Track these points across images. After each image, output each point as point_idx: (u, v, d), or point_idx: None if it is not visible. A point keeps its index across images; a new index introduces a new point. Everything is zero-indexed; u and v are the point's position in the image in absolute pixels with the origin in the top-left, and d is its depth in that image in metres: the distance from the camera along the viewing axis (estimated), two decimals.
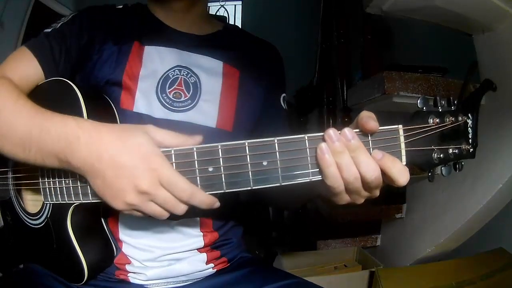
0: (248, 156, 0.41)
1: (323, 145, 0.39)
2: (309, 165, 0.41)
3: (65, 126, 0.44)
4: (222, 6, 3.30)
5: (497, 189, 1.03)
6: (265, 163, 0.41)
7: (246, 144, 0.41)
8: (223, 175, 0.42)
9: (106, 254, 0.59)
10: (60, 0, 2.28)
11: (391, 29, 1.93)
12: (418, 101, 0.42)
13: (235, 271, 0.66)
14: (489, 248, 1.14)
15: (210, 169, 0.42)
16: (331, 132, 0.39)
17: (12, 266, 0.66)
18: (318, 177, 0.41)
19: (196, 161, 0.42)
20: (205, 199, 0.43)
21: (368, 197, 0.43)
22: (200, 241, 0.63)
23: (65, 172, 0.50)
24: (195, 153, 0.42)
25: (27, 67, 0.58)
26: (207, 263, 0.65)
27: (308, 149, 0.41)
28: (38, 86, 0.59)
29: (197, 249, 0.64)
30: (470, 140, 0.42)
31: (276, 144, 0.41)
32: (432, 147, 0.41)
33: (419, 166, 0.42)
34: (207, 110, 0.63)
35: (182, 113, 0.61)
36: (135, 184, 0.41)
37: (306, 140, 0.41)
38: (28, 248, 0.63)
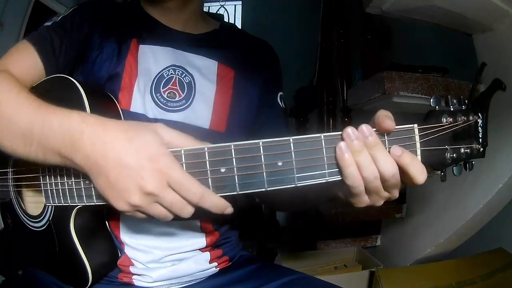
0: (262, 156, 0.39)
1: (342, 144, 0.38)
2: (326, 165, 0.40)
3: (69, 120, 0.42)
4: (222, 6, 3.29)
5: (497, 189, 1.03)
6: (280, 163, 0.39)
7: (261, 143, 0.40)
8: (236, 176, 0.40)
9: (110, 257, 0.58)
10: (60, 0, 2.28)
11: (391, 29, 1.93)
12: (431, 100, 0.41)
13: (238, 270, 0.66)
14: (489, 248, 1.14)
15: (223, 170, 0.40)
16: (350, 130, 0.38)
17: (13, 270, 0.65)
18: (335, 178, 0.40)
19: (207, 162, 0.40)
20: (217, 202, 0.41)
21: (388, 198, 0.42)
22: (202, 241, 0.64)
23: (68, 173, 0.49)
24: (206, 153, 0.40)
25: (28, 61, 0.57)
26: (210, 262, 0.65)
27: (324, 149, 0.40)
28: (39, 83, 0.58)
29: (199, 249, 0.64)
30: (480, 140, 0.42)
31: (292, 144, 0.39)
32: (446, 146, 0.41)
33: (433, 166, 0.42)
34: (201, 111, 0.62)
35: (176, 113, 0.60)
36: (141, 185, 0.39)
37: (323, 140, 0.40)
38: (29, 252, 0.62)
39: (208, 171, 0.41)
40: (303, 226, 1.89)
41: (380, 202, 0.42)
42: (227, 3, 3.36)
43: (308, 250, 1.56)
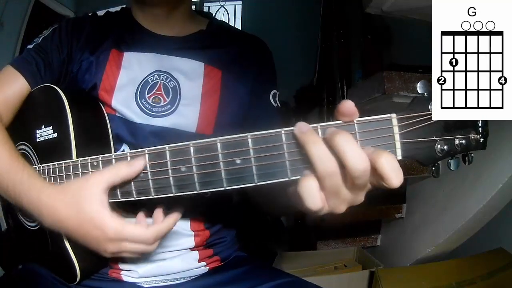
0: (220, 154, 0.38)
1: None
2: (287, 162, 0.36)
3: (30, 196, 0.48)
4: (222, 6, 3.29)
5: (497, 189, 1.03)
6: (238, 161, 0.38)
7: (218, 141, 0.38)
8: (195, 174, 0.40)
9: (99, 256, 0.59)
10: (60, 0, 2.28)
11: (391, 29, 1.93)
12: (418, 85, 0.35)
13: (230, 270, 0.65)
14: (489, 248, 1.13)
15: (183, 169, 0.40)
16: (301, 124, 0.35)
17: (13, 265, 0.66)
18: (298, 176, 0.36)
19: (168, 162, 0.41)
20: (171, 226, 0.48)
21: (351, 203, 0.36)
22: (191, 241, 0.63)
23: (60, 175, 0.52)
24: (167, 152, 0.41)
25: (13, 87, 0.60)
26: (199, 261, 0.64)
27: (285, 145, 0.36)
28: (30, 93, 0.61)
29: (188, 248, 0.63)
30: (479, 129, 0.35)
31: (250, 140, 0.37)
32: (434, 137, 0.35)
33: (420, 161, 0.36)
34: (187, 115, 0.62)
35: (162, 118, 0.61)
36: (103, 250, 0.46)
37: (283, 134, 0.36)
38: (27, 249, 0.64)
39: (169, 170, 0.41)
40: (303, 226, 1.89)
41: (341, 207, 0.36)
42: (227, 3, 3.36)
43: (308, 250, 1.56)
